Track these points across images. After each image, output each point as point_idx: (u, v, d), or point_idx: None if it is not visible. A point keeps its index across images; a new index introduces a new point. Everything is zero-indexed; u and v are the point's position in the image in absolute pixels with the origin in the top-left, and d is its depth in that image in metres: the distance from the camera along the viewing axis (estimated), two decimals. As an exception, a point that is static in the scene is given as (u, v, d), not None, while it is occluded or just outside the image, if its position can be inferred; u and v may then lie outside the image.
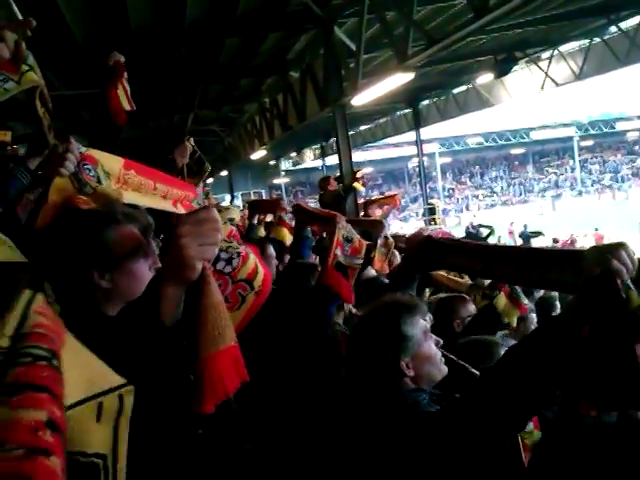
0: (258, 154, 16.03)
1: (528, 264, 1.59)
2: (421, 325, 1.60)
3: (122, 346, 1.07)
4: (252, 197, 30.70)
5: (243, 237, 4.56)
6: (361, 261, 2.60)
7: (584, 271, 1.24)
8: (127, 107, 1.92)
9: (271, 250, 3.50)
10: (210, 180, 23.22)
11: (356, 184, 6.86)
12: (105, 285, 1.25)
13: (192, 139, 2.61)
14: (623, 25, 12.75)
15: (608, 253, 1.20)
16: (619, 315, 1.16)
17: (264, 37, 9.28)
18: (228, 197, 24.64)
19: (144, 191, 1.67)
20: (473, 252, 1.87)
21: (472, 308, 2.76)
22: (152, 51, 8.48)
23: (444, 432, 1.31)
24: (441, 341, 1.65)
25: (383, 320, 1.60)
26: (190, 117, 13.59)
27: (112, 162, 1.58)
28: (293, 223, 4.43)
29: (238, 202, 22.87)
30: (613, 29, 13.02)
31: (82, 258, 1.24)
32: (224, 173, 22.68)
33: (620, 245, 1.23)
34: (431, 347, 1.60)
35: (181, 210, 1.78)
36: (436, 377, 1.60)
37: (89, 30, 7.42)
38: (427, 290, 3.80)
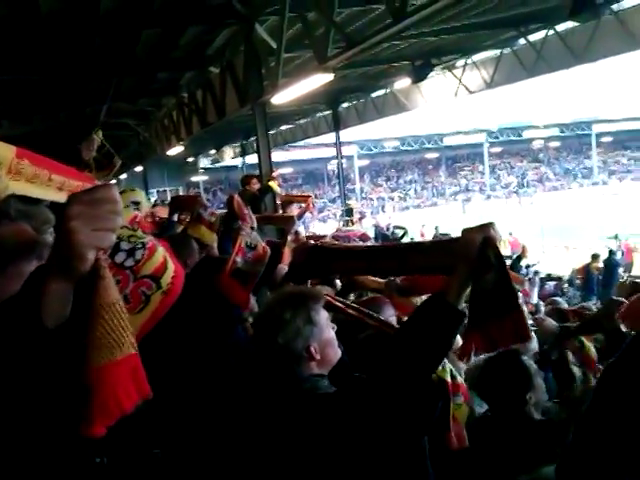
0: (175, 150, 15.65)
1: (406, 256, 1.73)
2: (324, 312, 1.71)
3: None
4: (168, 194, 29.95)
5: (158, 235, 4.38)
6: (262, 267, 2.56)
7: (466, 242, 1.45)
8: None
9: (194, 244, 3.39)
10: (124, 176, 22.50)
11: (272, 184, 6.85)
12: None
13: (100, 132, 2.48)
14: (531, 38, 13.46)
15: (485, 226, 1.46)
16: (502, 271, 1.43)
17: (183, 30, 9.07)
18: (143, 194, 23.91)
19: (38, 182, 1.50)
20: (356, 254, 1.94)
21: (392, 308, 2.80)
22: (63, 39, 8.08)
23: (345, 410, 1.43)
24: (335, 327, 1.76)
25: (293, 308, 1.65)
26: (103, 109, 13.06)
27: (3, 150, 1.44)
28: (213, 219, 4.35)
29: (153, 199, 22.24)
30: (522, 41, 13.71)
31: None
32: (139, 169, 22.01)
33: (490, 223, 1.48)
34: (331, 332, 1.71)
35: None
36: (334, 359, 1.71)
37: (-6, 13, 6.96)
38: (352, 295, 3.82)
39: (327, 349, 1.67)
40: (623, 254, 15.61)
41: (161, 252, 1.30)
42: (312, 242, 2.26)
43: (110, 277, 0.96)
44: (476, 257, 1.41)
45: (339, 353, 1.73)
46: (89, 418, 0.90)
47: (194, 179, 38.23)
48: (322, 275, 2.60)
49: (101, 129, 2.51)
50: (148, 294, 1.25)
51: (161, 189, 30.48)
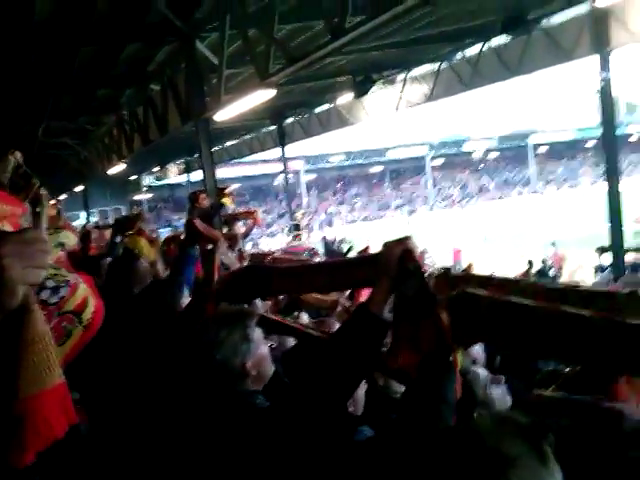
0: (116, 168, 15.34)
1: (334, 272, 1.82)
2: (258, 329, 1.77)
3: None
4: (110, 214, 29.30)
5: (105, 255, 4.24)
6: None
7: (387, 255, 1.52)
8: None
9: (143, 265, 3.30)
10: (63, 196, 21.86)
11: (225, 200, 6.75)
12: None
13: (18, 153, 2.42)
14: (467, 52, 13.93)
15: (403, 239, 1.54)
16: (421, 280, 1.51)
17: (122, 47, 8.93)
18: (83, 214, 23.32)
19: None
20: (291, 273, 1.99)
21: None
22: (-5, 56, 7.83)
23: (278, 423, 1.48)
24: (271, 343, 1.91)
25: (229, 326, 1.71)
26: (40, 128, 12.68)
27: None
28: (154, 235, 4.27)
29: (94, 219, 21.75)
30: (459, 55, 14.16)
31: None
32: (79, 188, 21.43)
33: (408, 236, 1.57)
34: (265, 348, 1.78)
35: (8, 228, 1.61)
36: (268, 375, 1.76)
37: None
38: (296, 313, 3.82)
39: (262, 365, 1.72)
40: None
41: (83, 289, 1.36)
42: (248, 263, 2.32)
43: (39, 311, 1.02)
44: (396, 268, 1.50)
45: (272, 368, 1.78)
46: (21, 446, 0.93)
47: (137, 197, 37.53)
48: (263, 295, 2.60)
49: (19, 150, 2.43)
50: (70, 329, 1.31)
51: (103, 209, 29.78)
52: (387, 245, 1.55)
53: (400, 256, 1.50)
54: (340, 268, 1.82)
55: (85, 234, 5.67)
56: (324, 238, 20.32)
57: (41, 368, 0.97)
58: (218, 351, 1.67)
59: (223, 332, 1.69)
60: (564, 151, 54.11)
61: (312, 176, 45.98)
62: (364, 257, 1.88)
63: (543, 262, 13.77)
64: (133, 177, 30.38)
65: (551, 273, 14.29)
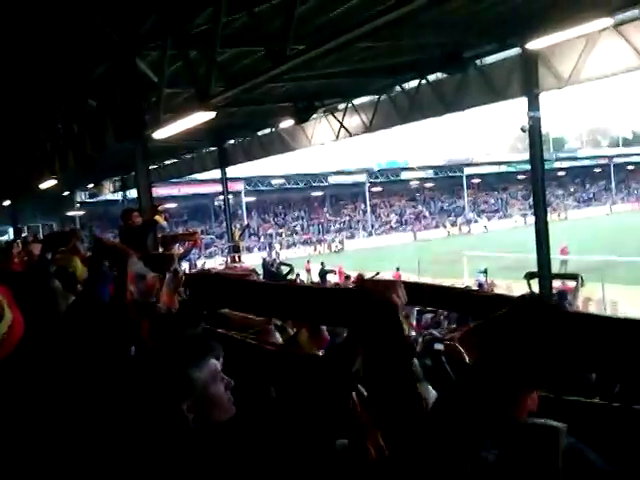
0: (48, 184, 14.83)
1: (305, 304, 1.63)
2: (210, 367, 1.54)
3: None
4: (40, 230, 28.21)
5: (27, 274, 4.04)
6: (154, 299, 2.44)
7: (365, 300, 1.30)
8: None
9: (56, 283, 3.18)
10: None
11: (158, 217, 6.63)
12: None
13: None
14: (406, 86, 14.35)
15: (389, 288, 1.29)
16: (398, 338, 1.25)
17: (60, 62, 8.72)
18: (11, 230, 22.36)
19: None
20: (255, 290, 1.85)
21: None
22: None
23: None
24: (232, 382, 1.59)
25: (169, 365, 1.52)
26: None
27: None
28: (89, 254, 4.14)
29: (23, 235, 20.88)
30: (398, 88, 14.57)
31: None
32: (8, 202, 20.57)
33: (397, 282, 1.33)
34: (218, 389, 1.54)
35: None
36: (221, 418, 1.54)
37: None
38: None
39: (208, 407, 1.51)
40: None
41: None
42: (214, 271, 2.14)
43: None
44: (372, 320, 1.27)
45: (230, 411, 1.56)
46: None
47: (70, 214, 36.24)
48: (225, 305, 2.46)
49: None
50: None
51: (33, 224, 28.62)
52: (368, 288, 1.32)
53: (386, 304, 1.25)
54: (312, 302, 1.58)
55: (6, 248, 5.34)
56: (264, 260, 20.23)
57: None
58: (156, 389, 1.49)
59: (163, 370, 1.51)
60: (496, 183, 56.28)
61: (253, 198, 45.90)
62: (340, 293, 1.59)
63: (480, 286, 14.37)
64: (66, 193, 29.41)
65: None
